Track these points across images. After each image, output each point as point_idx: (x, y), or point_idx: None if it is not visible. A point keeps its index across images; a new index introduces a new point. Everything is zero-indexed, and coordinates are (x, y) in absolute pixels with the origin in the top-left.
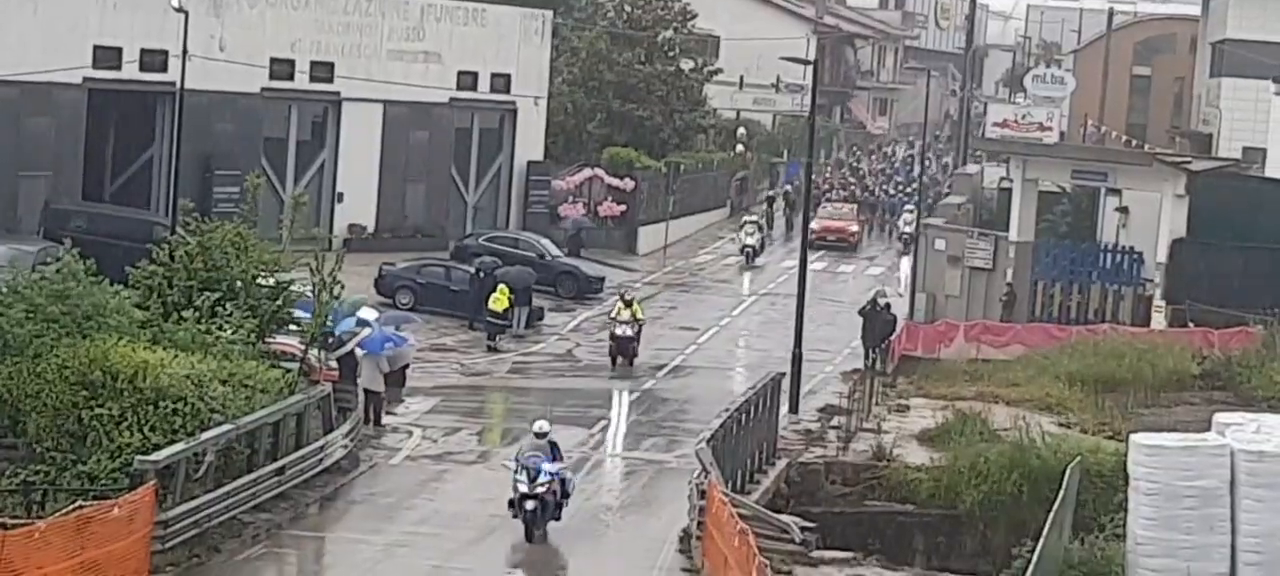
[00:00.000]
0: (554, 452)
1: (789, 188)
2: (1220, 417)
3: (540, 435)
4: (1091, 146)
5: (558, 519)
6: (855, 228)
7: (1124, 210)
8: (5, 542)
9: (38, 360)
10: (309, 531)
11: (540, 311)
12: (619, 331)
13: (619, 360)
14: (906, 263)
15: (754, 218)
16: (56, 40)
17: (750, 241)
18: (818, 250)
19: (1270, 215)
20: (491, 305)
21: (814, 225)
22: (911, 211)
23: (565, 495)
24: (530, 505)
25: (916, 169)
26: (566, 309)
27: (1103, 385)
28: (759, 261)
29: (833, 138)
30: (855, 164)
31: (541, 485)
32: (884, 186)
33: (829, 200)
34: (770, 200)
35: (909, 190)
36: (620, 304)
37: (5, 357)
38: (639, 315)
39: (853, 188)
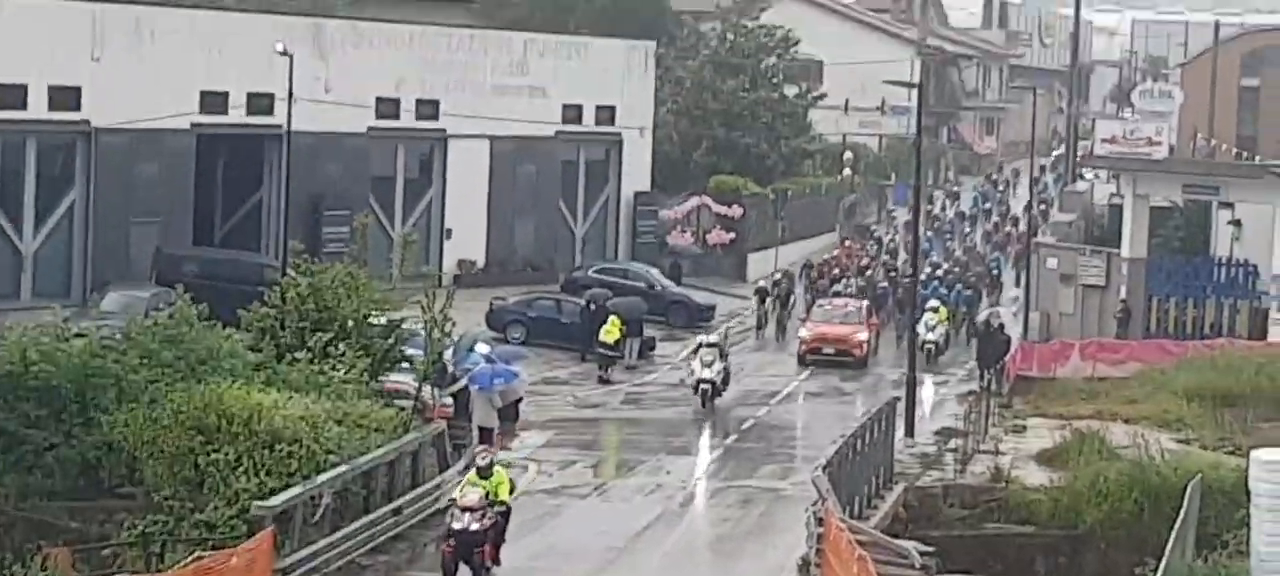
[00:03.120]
0: None
1: (779, 275)
2: None
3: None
4: (1202, 160)
5: None
6: (863, 335)
7: (1237, 223)
8: None
9: (153, 406)
10: (427, 571)
11: (651, 341)
12: (458, 524)
13: (458, 568)
14: (929, 387)
15: (713, 339)
16: (164, 87)
17: (707, 374)
18: (808, 366)
19: None
20: (603, 337)
21: (802, 333)
22: (935, 312)
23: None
24: None
25: (978, 224)
26: (677, 337)
27: (1221, 400)
28: (723, 401)
29: (940, 158)
30: (871, 228)
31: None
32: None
33: (834, 293)
34: (762, 294)
35: (942, 274)
36: (471, 476)
37: (121, 404)
38: (501, 494)
39: (870, 271)
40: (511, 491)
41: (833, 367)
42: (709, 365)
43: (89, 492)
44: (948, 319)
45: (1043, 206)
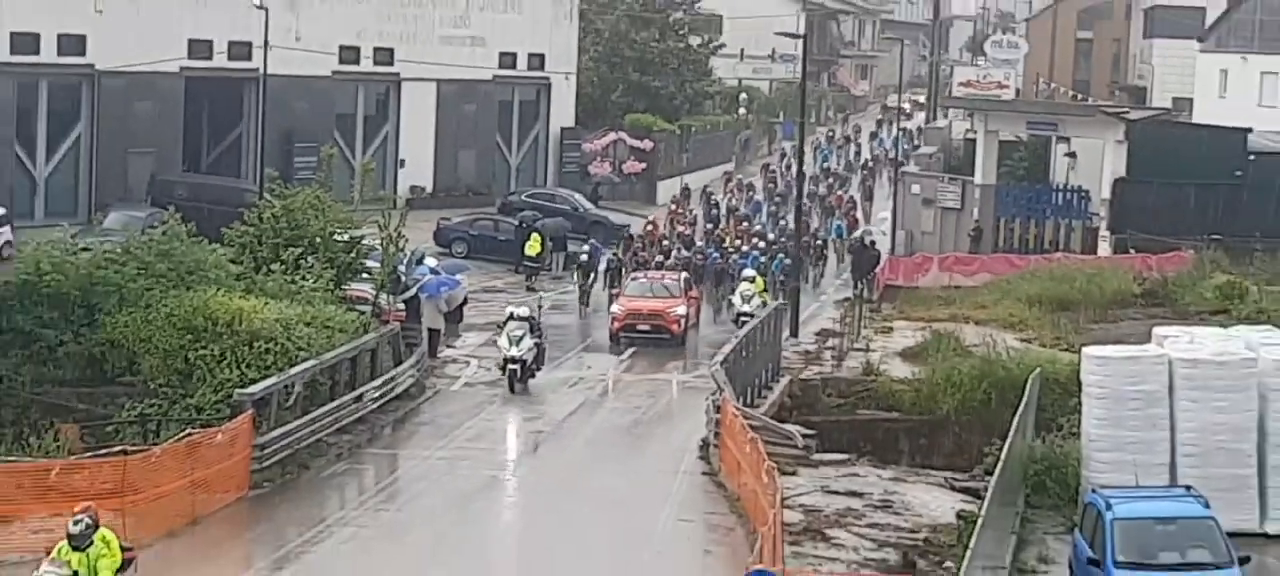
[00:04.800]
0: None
1: (595, 247)
2: (1159, 331)
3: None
4: (1043, 101)
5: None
6: (682, 309)
7: (1072, 155)
8: (127, 466)
9: (149, 310)
10: (383, 449)
11: (575, 256)
12: None
13: None
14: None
15: (523, 312)
16: (156, 35)
17: (515, 352)
18: (624, 349)
19: (1198, 155)
20: (526, 251)
21: (614, 309)
22: (752, 282)
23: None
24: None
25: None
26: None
27: (1057, 305)
28: (535, 383)
29: (821, 100)
30: (707, 189)
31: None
32: (743, 238)
33: (657, 265)
34: (582, 265)
35: (768, 244)
36: (61, 547)
37: (122, 308)
38: (102, 570)
39: (693, 239)
40: (124, 565)
41: (650, 344)
42: (517, 341)
43: (94, 381)
44: (764, 289)
45: (872, 162)
